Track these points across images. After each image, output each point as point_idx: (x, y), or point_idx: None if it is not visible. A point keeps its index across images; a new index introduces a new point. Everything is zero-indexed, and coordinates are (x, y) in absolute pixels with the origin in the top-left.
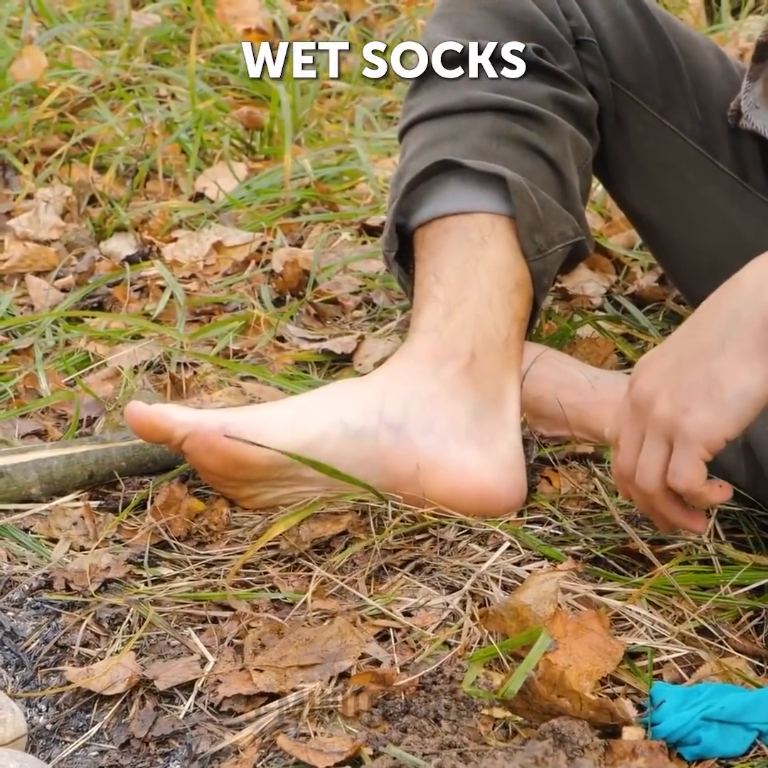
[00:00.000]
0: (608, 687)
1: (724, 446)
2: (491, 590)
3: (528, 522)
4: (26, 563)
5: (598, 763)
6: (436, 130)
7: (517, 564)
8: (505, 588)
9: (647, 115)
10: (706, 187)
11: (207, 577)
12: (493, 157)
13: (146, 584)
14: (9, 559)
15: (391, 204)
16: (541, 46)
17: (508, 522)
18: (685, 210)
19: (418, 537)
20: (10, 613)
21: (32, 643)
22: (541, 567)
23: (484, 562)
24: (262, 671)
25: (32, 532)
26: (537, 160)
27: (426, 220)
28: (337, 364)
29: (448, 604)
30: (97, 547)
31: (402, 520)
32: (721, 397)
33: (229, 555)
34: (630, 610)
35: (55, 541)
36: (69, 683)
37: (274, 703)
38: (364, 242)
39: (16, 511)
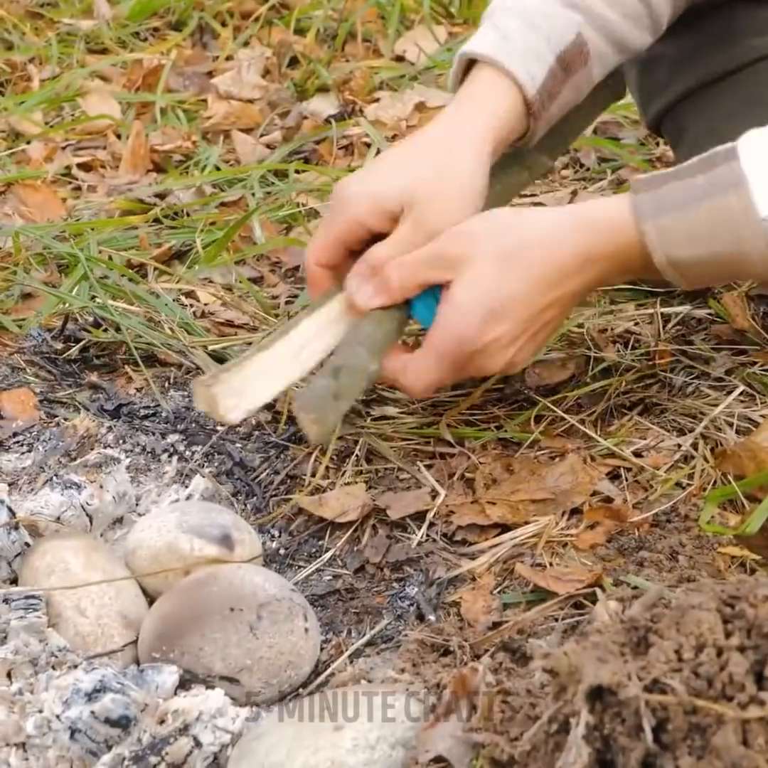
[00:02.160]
0: None
1: None
2: (724, 433)
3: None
4: None
5: None
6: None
7: (751, 409)
8: (738, 432)
9: None
10: None
11: (433, 415)
12: None
13: (374, 420)
14: None
15: None
16: None
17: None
18: None
19: (647, 381)
20: (239, 445)
21: (261, 473)
22: None
23: (716, 405)
24: (494, 504)
25: None
26: None
27: None
28: None
29: (679, 446)
30: None
31: (629, 369)
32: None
33: (453, 398)
34: None
35: None
36: (301, 511)
37: (508, 535)
38: None
39: None
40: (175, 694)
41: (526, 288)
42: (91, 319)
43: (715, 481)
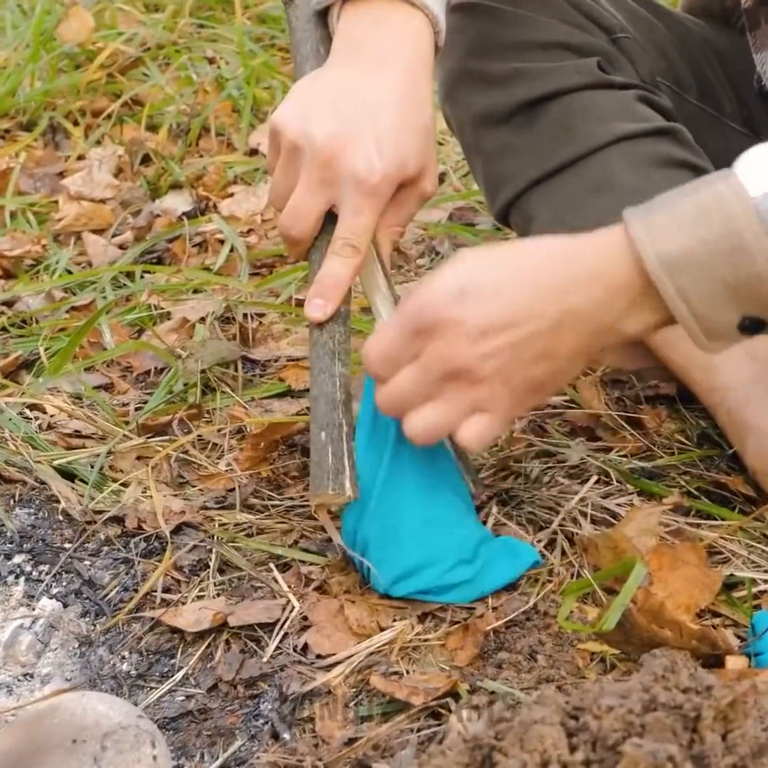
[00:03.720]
0: (706, 619)
1: None
2: (580, 526)
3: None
4: (93, 498)
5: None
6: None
7: (607, 498)
8: (593, 522)
9: (689, 105)
10: None
11: (287, 521)
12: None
13: (226, 529)
14: (80, 499)
15: None
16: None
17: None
18: None
19: (501, 473)
20: (87, 562)
21: (111, 590)
22: (631, 501)
23: (573, 494)
24: (353, 603)
25: (101, 474)
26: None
27: None
28: None
29: (539, 541)
30: (174, 495)
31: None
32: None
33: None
34: (725, 541)
35: (126, 484)
36: (151, 629)
37: (364, 643)
38: None
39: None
40: None
41: (510, 279)
42: None
43: (573, 575)
